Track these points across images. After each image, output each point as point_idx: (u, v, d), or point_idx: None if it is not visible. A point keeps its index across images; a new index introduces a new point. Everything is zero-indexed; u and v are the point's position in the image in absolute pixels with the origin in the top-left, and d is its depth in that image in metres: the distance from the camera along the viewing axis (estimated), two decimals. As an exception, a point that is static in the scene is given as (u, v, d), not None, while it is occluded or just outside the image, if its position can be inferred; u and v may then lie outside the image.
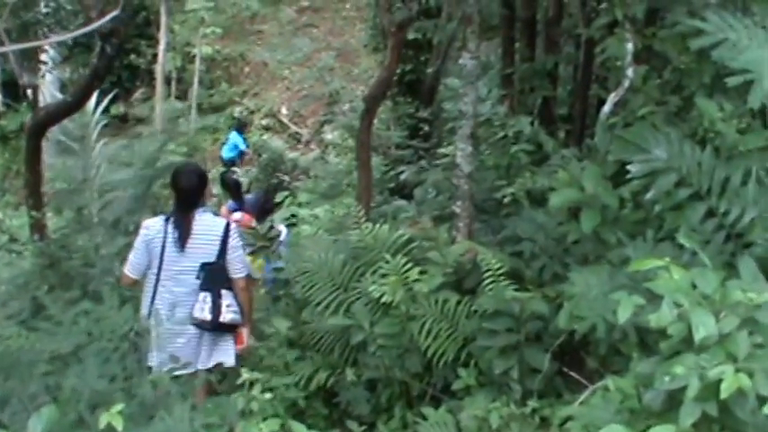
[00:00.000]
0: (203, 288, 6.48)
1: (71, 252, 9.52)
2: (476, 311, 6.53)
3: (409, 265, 6.90)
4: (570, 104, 12.06)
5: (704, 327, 3.65)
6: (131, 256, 6.61)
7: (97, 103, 12.76)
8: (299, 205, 17.77)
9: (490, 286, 6.50)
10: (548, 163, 8.53)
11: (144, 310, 6.48)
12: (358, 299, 7.10)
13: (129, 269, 6.62)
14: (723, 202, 5.41)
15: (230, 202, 11.84)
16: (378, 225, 7.68)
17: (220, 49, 27.66)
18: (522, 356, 6.11)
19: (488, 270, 6.55)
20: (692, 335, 3.73)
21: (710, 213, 5.45)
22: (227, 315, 6.51)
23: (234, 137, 22.36)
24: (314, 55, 27.41)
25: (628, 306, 4.07)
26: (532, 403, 5.84)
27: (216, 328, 6.52)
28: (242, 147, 22.31)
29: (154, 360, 5.89)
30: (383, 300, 6.71)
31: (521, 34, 12.20)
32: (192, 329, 6.50)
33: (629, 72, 7.22)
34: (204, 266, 6.48)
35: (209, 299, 6.47)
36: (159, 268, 6.51)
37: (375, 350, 6.80)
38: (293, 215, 16.79)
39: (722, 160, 5.65)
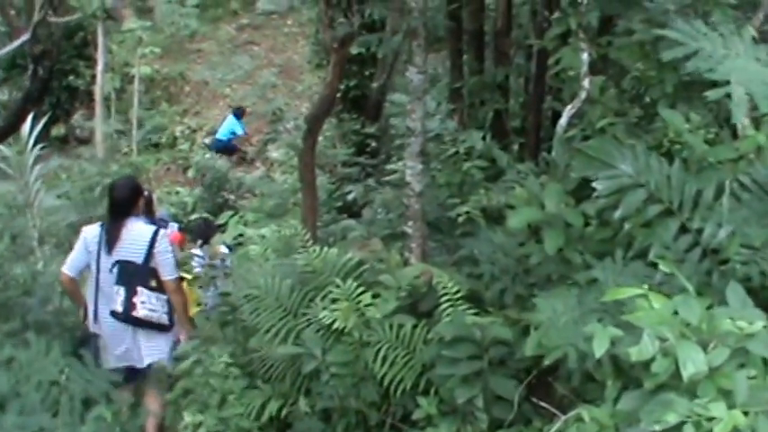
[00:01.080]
0: (117, 282, 7.03)
1: (8, 281, 9.35)
2: (434, 337, 6.15)
3: (361, 290, 6.58)
4: (523, 117, 11.69)
5: (693, 363, 3.29)
6: (70, 256, 7.24)
7: (32, 126, 12.48)
8: (246, 224, 17.35)
9: (448, 311, 6.16)
10: (503, 179, 8.16)
11: (90, 315, 7.21)
12: (308, 325, 6.73)
13: (67, 267, 7.21)
14: (696, 218, 5.07)
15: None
16: (326, 248, 7.34)
17: (159, 69, 27.11)
18: (486, 384, 5.71)
19: (445, 293, 6.24)
20: (679, 370, 3.36)
21: (683, 230, 5.11)
22: (141, 311, 7.05)
23: (230, 121, 23.13)
24: (255, 72, 26.94)
25: (603, 339, 3.68)
26: (499, 436, 5.48)
27: (129, 320, 7.07)
28: (239, 131, 23.26)
29: (110, 363, 6.98)
30: (335, 326, 6.39)
31: (468, 46, 11.88)
32: (130, 331, 7.12)
33: (586, 83, 6.90)
34: (118, 263, 7.01)
35: (122, 292, 7.02)
36: (97, 271, 7.10)
37: (328, 379, 6.45)
38: (240, 235, 16.41)
39: (692, 173, 5.33)
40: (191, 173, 22.92)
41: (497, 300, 6.45)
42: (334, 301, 6.59)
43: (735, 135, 6.01)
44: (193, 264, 10.46)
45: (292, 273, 7.41)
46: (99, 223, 7.23)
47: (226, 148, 23.39)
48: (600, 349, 3.61)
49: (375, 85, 17.82)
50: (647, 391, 3.60)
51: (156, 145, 25.31)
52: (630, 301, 3.71)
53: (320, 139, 17.52)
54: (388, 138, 16.24)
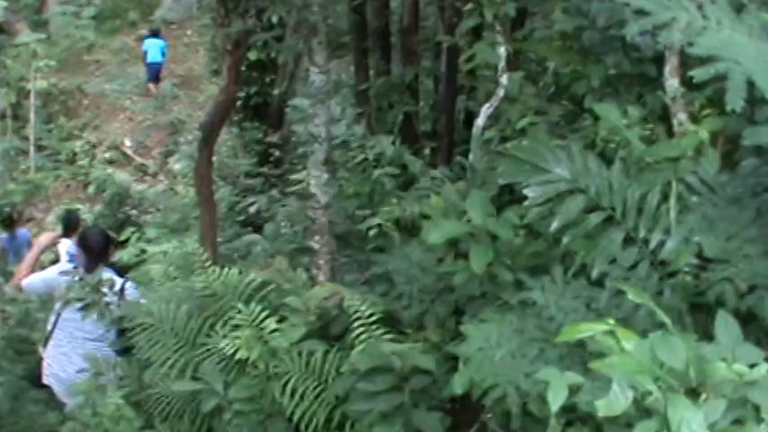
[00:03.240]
0: None
1: None
2: (348, 367, 5.41)
3: (265, 314, 5.88)
4: (434, 120, 10.92)
5: (689, 425, 2.51)
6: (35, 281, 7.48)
7: None
8: (149, 242, 16.56)
9: (361, 337, 5.46)
10: (415, 186, 7.45)
11: None
12: (208, 357, 6.01)
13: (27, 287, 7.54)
14: (642, 227, 4.34)
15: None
16: (226, 268, 6.57)
17: (56, 83, 26.02)
18: (408, 420, 4.99)
19: (358, 317, 5.54)
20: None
21: (628, 241, 4.37)
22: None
23: (157, 42, 24.08)
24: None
25: (560, 388, 2.88)
26: (426, 481, 4.73)
27: None
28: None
29: None
30: (237, 356, 5.71)
31: (374, 46, 11.07)
32: None
33: (504, 79, 6.19)
34: None
35: None
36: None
37: (232, 417, 5.74)
38: (143, 251, 15.66)
39: (632, 176, 4.60)
40: (91, 189, 21.89)
41: (416, 322, 5.72)
42: (236, 327, 5.92)
43: (670, 133, 5.34)
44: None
45: (190, 297, 6.71)
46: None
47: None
48: (556, 401, 2.83)
49: (276, 91, 17.02)
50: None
51: (56, 161, 24.37)
52: (593, 341, 2.93)
53: (222, 149, 16.88)
54: (292, 146, 15.47)
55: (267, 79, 17.23)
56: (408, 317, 5.70)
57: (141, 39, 26.16)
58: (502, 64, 6.23)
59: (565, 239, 4.37)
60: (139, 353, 6.48)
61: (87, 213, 19.51)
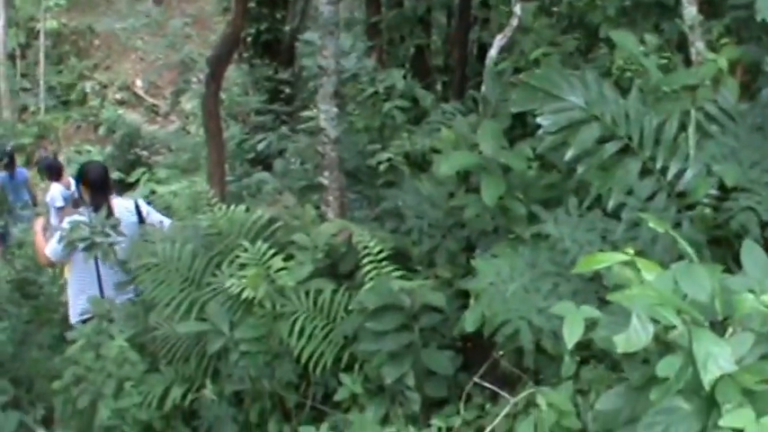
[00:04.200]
0: None
1: None
2: (357, 305, 5.24)
3: (272, 252, 5.68)
4: (446, 53, 10.66)
5: (716, 361, 2.32)
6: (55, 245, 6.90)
7: None
8: (159, 182, 16.42)
9: (371, 274, 5.27)
10: (426, 121, 7.26)
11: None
12: (214, 296, 5.82)
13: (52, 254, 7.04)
14: (660, 157, 4.14)
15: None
16: (233, 206, 6.37)
17: (67, 23, 25.72)
18: (417, 359, 4.86)
19: (367, 253, 5.34)
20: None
21: (645, 172, 4.18)
22: None
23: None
24: (167, 23, 25.54)
25: (576, 323, 2.69)
26: (437, 421, 4.59)
27: None
28: None
29: None
30: (243, 296, 5.51)
31: None
32: None
33: (518, 8, 5.94)
34: None
35: None
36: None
37: (238, 358, 5.55)
38: (152, 192, 15.50)
39: (650, 105, 4.39)
40: (101, 130, 21.74)
41: (426, 258, 5.58)
42: (242, 266, 5.73)
43: (688, 62, 5.13)
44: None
45: (195, 235, 6.48)
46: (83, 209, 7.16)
47: None
48: (572, 337, 2.64)
49: (287, 27, 16.71)
50: (633, 387, 2.67)
51: (66, 102, 24.29)
52: (611, 273, 2.74)
53: (232, 87, 16.61)
54: (302, 83, 15.17)
55: (278, 15, 16.94)
56: (418, 253, 5.58)
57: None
58: (517, -8, 5.99)
59: (579, 170, 4.19)
60: (144, 293, 6.34)
61: (97, 155, 19.40)
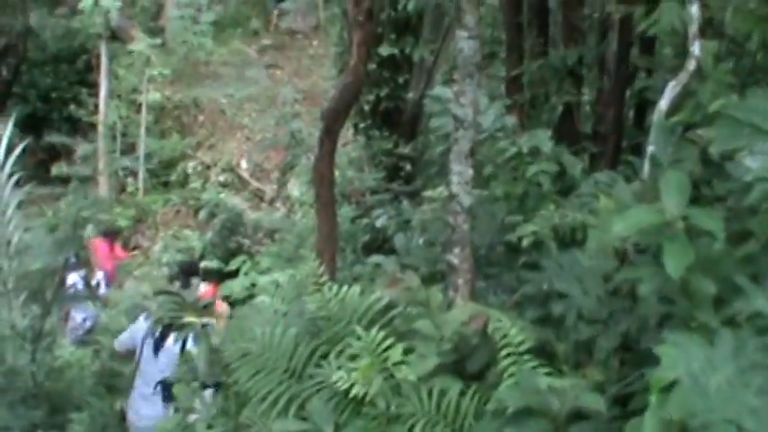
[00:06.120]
0: None
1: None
2: (492, 408, 4.85)
3: (389, 342, 5.49)
4: (599, 115, 10.21)
5: None
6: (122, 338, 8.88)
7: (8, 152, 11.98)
8: (261, 272, 16.34)
9: (510, 370, 4.91)
10: (576, 192, 6.87)
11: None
12: (318, 391, 5.69)
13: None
14: None
15: None
16: (345, 287, 6.28)
17: (170, 96, 26.43)
18: (566, 477, 4.42)
19: (505, 345, 5.00)
20: None
21: None
22: None
23: None
24: (277, 99, 25.87)
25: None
26: None
27: None
28: None
29: None
30: (353, 393, 5.33)
31: (529, 21, 10.54)
32: None
33: (696, 48, 5.44)
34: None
35: None
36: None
37: None
38: (253, 284, 15.44)
39: None
40: (202, 214, 21.91)
41: (574, 356, 5.22)
42: (353, 357, 5.60)
43: None
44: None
45: (299, 320, 6.47)
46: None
47: None
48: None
49: (411, 94, 16.39)
50: None
51: (166, 183, 24.78)
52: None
53: (344, 161, 16.48)
54: (426, 163, 14.91)
55: (400, 80, 16.57)
56: (564, 349, 5.24)
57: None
58: (694, 28, 5.47)
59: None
60: (237, 385, 6.20)
61: (196, 241, 19.54)
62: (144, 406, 8.13)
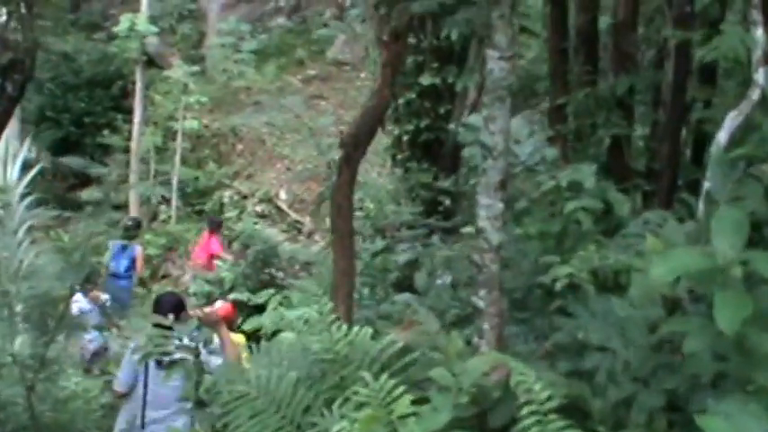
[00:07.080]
0: None
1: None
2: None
3: (400, 391, 4.98)
4: (651, 149, 9.58)
5: None
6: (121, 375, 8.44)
7: (21, 175, 11.96)
8: (291, 307, 15.95)
9: (533, 430, 4.37)
10: (622, 233, 6.35)
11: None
12: None
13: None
14: None
15: None
16: (356, 328, 5.99)
17: (208, 124, 26.32)
18: None
19: (529, 401, 4.47)
20: None
21: None
22: None
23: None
24: (321, 131, 25.50)
25: None
26: None
27: None
28: None
29: None
30: None
31: (577, 47, 10.04)
32: None
33: (760, 76, 4.88)
34: None
35: None
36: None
37: None
38: (281, 318, 15.07)
39: None
40: (236, 245, 21.61)
41: (612, 415, 4.69)
42: (359, 406, 5.12)
43: None
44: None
45: (303, 362, 6.10)
46: None
47: None
48: None
49: (452, 126, 15.64)
50: None
51: (200, 212, 24.56)
52: None
53: (382, 193, 15.99)
54: (468, 196, 14.31)
55: (441, 110, 16.03)
56: (601, 407, 4.71)
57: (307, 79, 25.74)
58: (758, 54, 4.94)
59: None
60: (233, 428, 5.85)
61: (226, 272, 19.20)
62: (158, 430, 7.93)
